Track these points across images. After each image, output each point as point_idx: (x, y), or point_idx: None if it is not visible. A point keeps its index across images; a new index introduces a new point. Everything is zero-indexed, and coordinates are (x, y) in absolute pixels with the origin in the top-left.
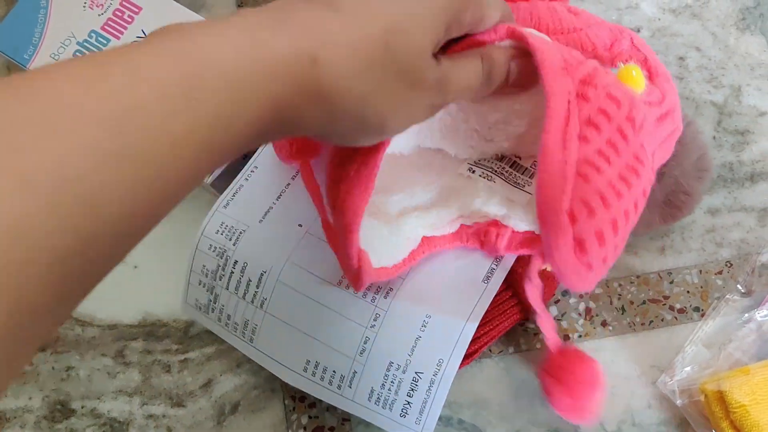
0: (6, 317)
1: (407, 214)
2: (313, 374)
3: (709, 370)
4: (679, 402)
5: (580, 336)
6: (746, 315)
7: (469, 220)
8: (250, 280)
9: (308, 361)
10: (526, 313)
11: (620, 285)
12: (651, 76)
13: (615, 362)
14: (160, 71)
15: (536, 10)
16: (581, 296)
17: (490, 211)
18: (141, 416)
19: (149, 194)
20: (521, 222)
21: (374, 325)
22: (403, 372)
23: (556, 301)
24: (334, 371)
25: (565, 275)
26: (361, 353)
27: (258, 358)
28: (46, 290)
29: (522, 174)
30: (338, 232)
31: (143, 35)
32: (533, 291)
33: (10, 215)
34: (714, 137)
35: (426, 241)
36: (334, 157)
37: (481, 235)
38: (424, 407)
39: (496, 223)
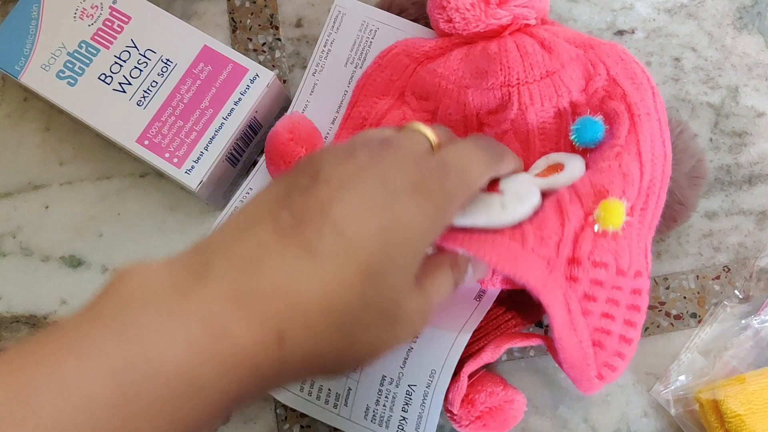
0: None
1: None
2: (309, 393)
3: (705, 379)
4: (673, 411)
5: None
6: (743, 321)
7: None
8: None
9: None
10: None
11: None
12: (631, 115)
13: None
14: (90, 386)
15: (506, 59)
16: None
17: None
18: None
19: None
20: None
21: None
22: (396, 386)
23: None
24: (329, 389)
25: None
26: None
27: None
28: None
29: None
30: None
31: (133, 45)
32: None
33: None
34: (711, 139)
35: None
36: None
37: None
38: (420, 421)
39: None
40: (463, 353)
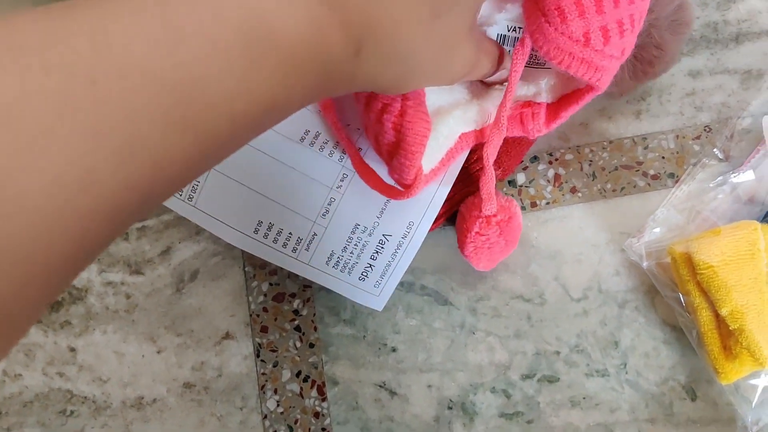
0: (67, 260)
1: (445, 114)
2: (266, 236)
3: (679, 233)
4: (645, 264)
5: (547, 203)
6: (721, 178)
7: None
8: None
9: (260, 222)
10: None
11: (591, 151)
12: None
13: (583, 229)
14: (224, 42)
15: None
16: (550, 162)
17: (521, 93)
18: (99, 283)
19: (204, 162)
20: (548, 94)
21: (341, 186)
22: (369, 234)
23: (524, 168)
24: (290, 233)
25: (549, 51)
26: (324, 215)
27: (199, 219)
28: (99, 239)
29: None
30: (395, 148)
31: None
32: (487, 180)
33: (81, 167)
34: None
35: (463, 137)
36: None
37: (518, 119)
38: (387, 270)
39: (529, 104)
40: (444, 204)
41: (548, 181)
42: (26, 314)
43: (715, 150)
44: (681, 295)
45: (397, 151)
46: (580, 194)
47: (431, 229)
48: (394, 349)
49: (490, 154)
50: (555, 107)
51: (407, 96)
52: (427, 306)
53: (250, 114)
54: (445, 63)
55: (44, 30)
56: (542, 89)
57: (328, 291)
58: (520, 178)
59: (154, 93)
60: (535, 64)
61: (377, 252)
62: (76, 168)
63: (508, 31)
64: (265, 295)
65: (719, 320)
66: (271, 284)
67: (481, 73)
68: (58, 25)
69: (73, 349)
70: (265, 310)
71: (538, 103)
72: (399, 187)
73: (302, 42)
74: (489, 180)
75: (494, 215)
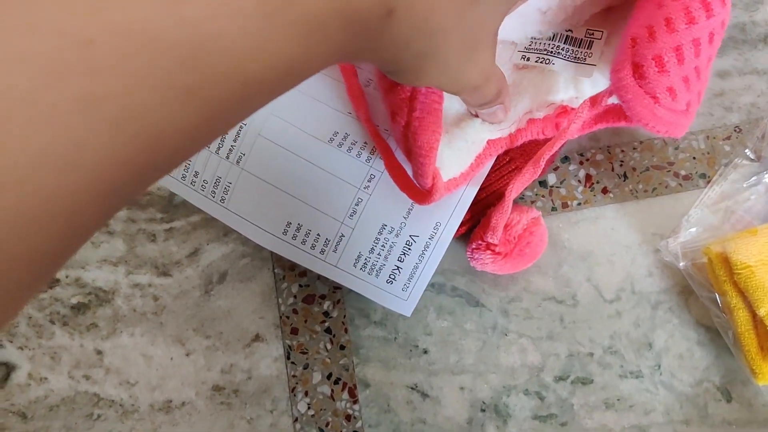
0: (55, 241)
1: (469, 119)
2: (294, 237)
3: (714, 233)
4: (681, 264)
5: (579, 204)
6: (754, 178)
7: (539, 113)
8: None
9: (289, 224)
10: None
11: (623, 151)
12: None
13: (615, 230)
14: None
15: None
16: (581, 162)
17: (558, 98)
18: (126, 285)
19: (210, 133)
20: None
21: (368, 186)
22: (396, 235)
23: (555, 168)
24: (318, 234)
25: (631, 108)
26: (351, 215)
27: (230, 221)
28: (91, 219)
29: (578, 47)
30: (408, 154)
31: None
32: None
33: (70, 139)
34: None
35: (492, 143)
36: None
37: (551, 126)
38: (415, 272)
39: (565, 111)
40: (472, 204)
41: (579, 181)
42: (13, 296)
43: (746, 150)
44: (717, 296)
45: (410, 156)
46: (611, 195)
47: (459, 233)
48: (425, 351)
49: (516, 189)
50: (594, 119)
51: (414, 106)
52: (458, 307)
53: (266, 77)
54: (466, 62)
55: None
56: (582, 93)
57: (358, 293)
58: (551, 178)
59: (156, 55)
60: (573, 59)
61: (404, 254)
62: (63, 141)
63: (523, 59)
64: (295, 297)
65: (756, 320)
66: (300, 286)
67: (483, 98)
68: None
69: (100, 352)
70: (295, 311)
71: (574, 109)
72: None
73: (328, 1)
74: (503, 213)
75: (495, 245)
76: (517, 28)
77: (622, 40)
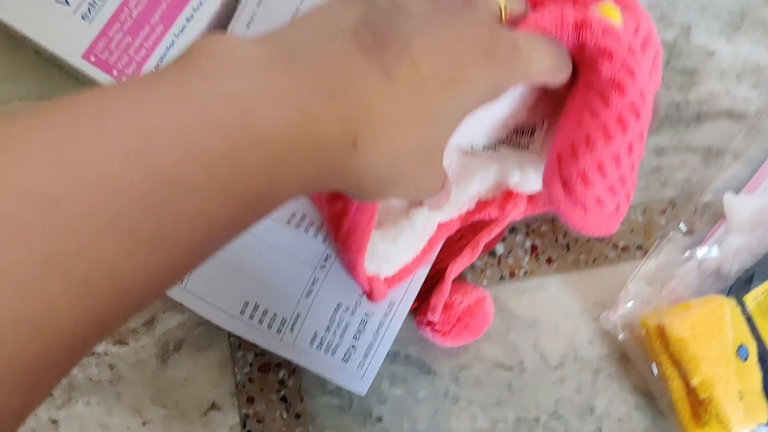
0: (17, 401)
1: (417, 207)
2: (251, 317)
3: (651, 306)
4: (621, 336)
5: (525, 273)
6: (687, 252)
7: (487, 195)
8: None
9: (246, 303)
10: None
11: None
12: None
13: (559, 299)
14: (204, 140)
15: None
16: (527, 234)
17: (505, 183)
18: None
19: (175, 277)
20: (535, 184)
21: (324, 266)
22: (352, 314)
23: (503, 239)
24: (275, 314)
25: (563, 217)
26: (307, 295)
27: (190, 303)
28: (56, 374)
29: (522, 135)
30: (343, 262)
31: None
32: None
33: (37, 303)
34: (663, 76)
35: (442, 226)
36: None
37: (497, 209)
38: (370, 350)
39: (511, 194)
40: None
41: (526, 251)
42: None
43: (680, 224)
44: (654, 365)
45: (344, 265)
46: (555, 265)
47: (412, 308)
48: (379, 419)
49: (454, 271)
50: (533, 207)
51: (342, 223)
52: (411, 375)
53: (230, 217)
54: (425, 177)
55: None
56: (526, 179)
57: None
58: (499, 248)
59: (123, 207)
60: (516, 145)
61: (359, 332)
62: (31, 306)
63: (470, 146)
64: (251, 366)
65: (689, 389)
66: (256, 354)
67: (429, 195)
68: (16, 138)
69: (54, 422)
70: (251, 380)
71: (519, 194)
72: None
73: (294, 134)
74: (442, 294)
75: (435, 323)
76: (467, 133)
77: (550, 155)
